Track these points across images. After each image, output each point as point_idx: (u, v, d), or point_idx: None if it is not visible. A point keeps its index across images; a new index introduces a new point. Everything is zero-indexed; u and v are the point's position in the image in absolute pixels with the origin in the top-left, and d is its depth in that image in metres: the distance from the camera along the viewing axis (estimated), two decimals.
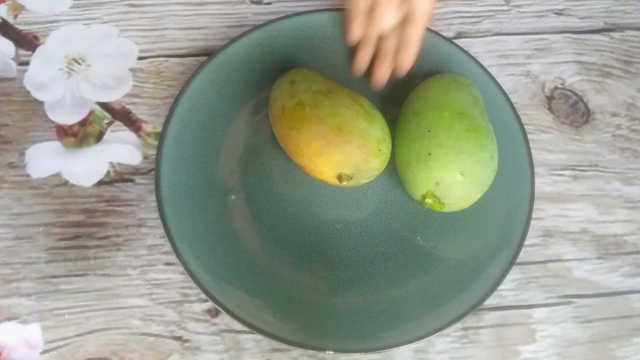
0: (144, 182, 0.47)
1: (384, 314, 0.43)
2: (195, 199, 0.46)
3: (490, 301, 0.45)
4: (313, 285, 0.44)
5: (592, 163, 0.50)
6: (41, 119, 0.49)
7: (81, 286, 0.44)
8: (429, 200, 0.43)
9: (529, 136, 0.48)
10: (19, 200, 0.46)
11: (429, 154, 0.42)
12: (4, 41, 0.51)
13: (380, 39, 0.48)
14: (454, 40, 0.51)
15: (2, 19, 0.52)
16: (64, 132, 0.48)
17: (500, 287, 0.44)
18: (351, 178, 0.43)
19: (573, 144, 0.51)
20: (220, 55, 0.48)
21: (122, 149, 0.48)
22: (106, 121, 0.49)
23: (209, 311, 0.44)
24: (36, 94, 0.49)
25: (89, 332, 0.43)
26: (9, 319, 0.43)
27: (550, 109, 0.52)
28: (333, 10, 0.50)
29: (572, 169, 0.50)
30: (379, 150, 0.42)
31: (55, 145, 0.48)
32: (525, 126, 0.48)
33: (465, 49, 0.50)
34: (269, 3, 0.54)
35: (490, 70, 0.50)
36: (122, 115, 0.49)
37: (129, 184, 0.47)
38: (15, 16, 0.52)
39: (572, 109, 0.52)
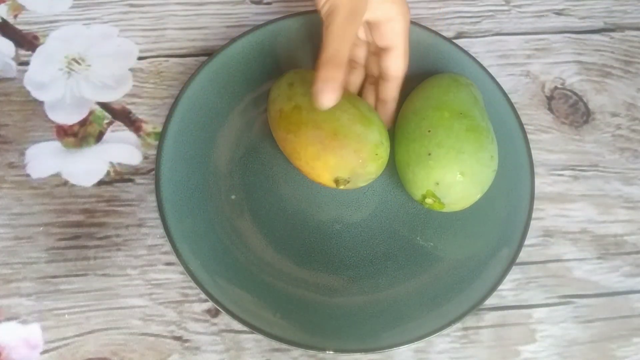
0: (144, 182, 0.47)
1: (384, 314, 0.43)
2: (195, 199, 0.46)
3: (490, 301, 0.45)
4: (313, 285, 0.44)
5: (592, 163, 0.50)
6: (41, 119, 0.49)
7: (81, 286, 0.44)
8: (429, 200, 0.43)
9: (529, 136, 0.48)
10: (19, 200, 0.46)
11: (429, 154, 0.42)
12: (4, 41, 0.51)
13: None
14: (454, 40, 0.51)
15: (2, 19, 0.52)
16: (64, 132, 0.48)
17: (500, 287, 0.44)
18: (348, 182, 0.43)
19: (573, 144, 0.51)
20: (220, 55, 0.48)
21: (122, 149, 0.48)
22: (106, 121, 0.49)
23: (209, 311, 0.44)
24: (36, 94, 0.49)
25: (89, 332, 0.43)
26: (9, 319, 0.43)
27: (550, 109, 0.52)
28: None
29: (572, 169, 0.50)
30: (376, 154, 0.42)
31: (55, 145, 0.48)
32: (525, 126, 0.48)
33: (465, 49, 0.50)
34: (269, 3, 0.54)
35: (490, 70, 0.50)
36: (122, 115, 0.49)
37: (129, 184, 0.47)
38: (15, 16, 0.52)
39: (572, 109, 0.52)
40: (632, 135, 0.51)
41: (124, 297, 0.44)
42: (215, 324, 0.44)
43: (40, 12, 0.52)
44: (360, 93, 0.49)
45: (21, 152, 0.47)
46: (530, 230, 0.46)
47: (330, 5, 0.41)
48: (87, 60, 0.51)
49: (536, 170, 0.48)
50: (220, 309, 0.42)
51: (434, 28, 0.51)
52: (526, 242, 0.45)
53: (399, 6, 0.43)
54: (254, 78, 0.49)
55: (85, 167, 0.47)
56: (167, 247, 0.45)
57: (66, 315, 0.43)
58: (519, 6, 0.55)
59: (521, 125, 0.48)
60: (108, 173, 0.47)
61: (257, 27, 0.50)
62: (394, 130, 0.46)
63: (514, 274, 0.46)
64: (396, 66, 0.45)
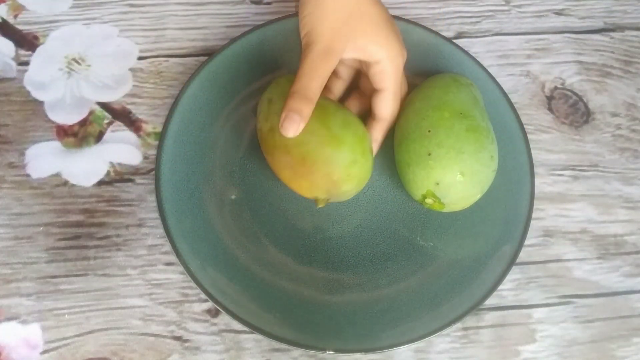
0: (144, 182, 0.47)
1: (384, 314, 0.43)
2: (195, 199, 0.46)
3: (490, 301, 0.45)
4: (313, 285, 0.44)
5: (592, 163, 0.50)
6: (41, 119, 0.49)
7: (81, 286, 0.44)
8: (429, 200, 0.43)
9: (529, 136, 0.48)
10: (19, 200, 0.46)
11: (429, 154, 0.42)
12: (4, 41, 0.51)
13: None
14: (454, 40, 0.51)
15: (2, 19, 0.52)
16: (64, 132, 0.48)
17: (500, 287, 0.44)
18: (329, 200, 0.43)
19: (573, 144, 0.51)
20: (220, 55, 0.48)
21: (122, 149, 0.48)
22: (106, 121, 0.49)
23: (209, 311, 0.44)
24: (36, 94, 0.49)
25: (89, 332, 0.43)
26: (9, 319, 0.43)
27: (550, 109, 0.52)
28: None
29: (572, 169, 0.50)
30: (348, 174, 0.41)
31: (55, 145, 0.48)
32: (525, 126, 0.48)
33: (465, 49, 0.50)
34: (269, 3, 0.54)
35: (490, 70, 0.50)
36: (122, 115, 0.49)
37: (129, 184, 0.47)
38: (15, 16, 0.52)
39: (572, 109, 0.52)
40: (632, 135, 0.51)
41: (124, 297, 0.44)
42: (215, 324, 0.44)
43: (40, 12, 0.52)
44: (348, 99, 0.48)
45: (21, 152, 0.47)
46: (530, 230, 0.46)
47: (307, 39, 0.41)
48: (87, 60, 0.51)
49: (536, 170, 0.48)
50: (220, 309, 0.42)
51: (434, 28, 0.51)
52: (526, 242, 0.45)
53: (387, 50, 0.42)
54: (254, 78, 0.49)
55: (85, 167, 0.47)
56: (167, 247, 0.45)
57: (66, 315, 0.43)
58: (519, 6, 0.55)
59: (521, 125, 0.48)
60: (108, 173, 0.47)
61: (257, 27, 0.50)
62: (394, 130, 0.46)
63: (514, 274, 0.46)
64: (384, 109, 0.44)
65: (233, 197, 0.47)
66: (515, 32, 0.54)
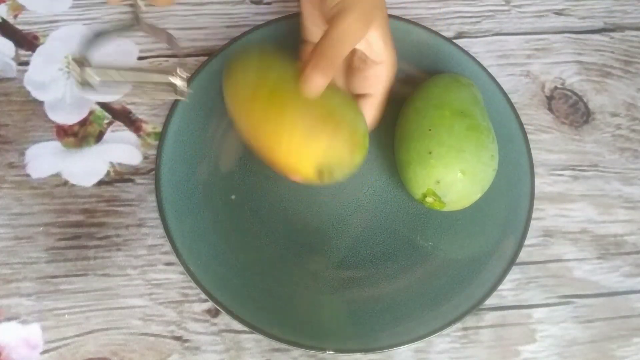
0: (144, 182, 0.47)
1: (384, 314, 0.43)
2: (195, 199, 0.46)
3: (490, 301, 0.45)
4: (313, 285, 0.44)
5: (592, 163, 0.50)
6: (41, 119, 0.49)
7: (81, 286, 0.44)
8: (429, 199, 0.43)
9: (529, 136, 0.48)
10: (19, 200, 0.46)
11: (430, 153, 0.42)
12: (4, 41, 0.51)
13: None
14: (454, 40, 0.51)
15: (2, 19, 0.52)
16: (64, 132, 0.48)
17: (500, 287, 0.44)
18: (332, 173, 0.40)
19: (573, 144, 0.51)
20: (220, 55, 0.48)
21: (122, 149, 0.48)
22: (106, 121, 0.49)
23: (209, 311, 0.44)
24: (36, 94, 0.49)
25: (89, 332, 0.43)
26: (9, 319, 0.43)
27: (550, 109, 0.52)
28: None
29: (572, 169, 0.50)
30: (364, 144, 0.40)
31: (55, 145, 0.48)
32: (525, 126, 0.48)
33: (465, 49, 0.50)
34: (269, 3, 0.54)
35: (490, 70, 0.50)
36: (122, 115, 0.49)
37: (129, 184, 0.47)
38: (15, 16, 0.52)
39: (572, 109, 0.52)
40: (632, 135, 0.51)
41: (124, 297, 0.44)
42: (215, 324, 0.44)
43: (40, 12, 0.52)
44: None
45: (21, 152, 0.47)
46: (530, 230, 0.46)
47: (342, 6, 0.39)
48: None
49: (536, 170, 0.48)
50: (220, 309, 0.42)
51: (434, 28, 0.51)
52: (526, 242, 0.45)
53: (389, 55, 0.42)
54: None
55: (85, 167, 0.47)
56: (167, 247, 0.45)
57: (66, 315, 0.43)
58: (519, 6, 0.55)
59: (521, 125, 0.48)
60: (108, 173, 0.47)
61: (257, 27, 0.50)
62: (395, 130, 0.46)
63: (514, 274, 0.46)
64: (368, 115, 0.43)
65: (233, 197, 0.47)
66: (515, 32, 0.54)
